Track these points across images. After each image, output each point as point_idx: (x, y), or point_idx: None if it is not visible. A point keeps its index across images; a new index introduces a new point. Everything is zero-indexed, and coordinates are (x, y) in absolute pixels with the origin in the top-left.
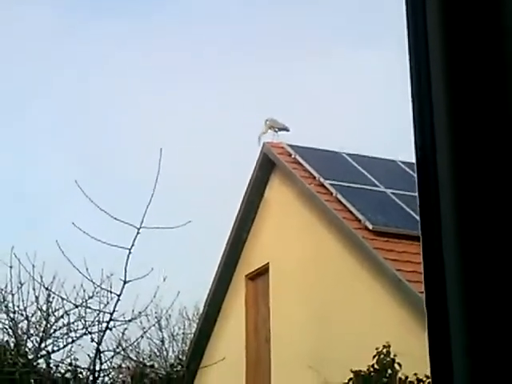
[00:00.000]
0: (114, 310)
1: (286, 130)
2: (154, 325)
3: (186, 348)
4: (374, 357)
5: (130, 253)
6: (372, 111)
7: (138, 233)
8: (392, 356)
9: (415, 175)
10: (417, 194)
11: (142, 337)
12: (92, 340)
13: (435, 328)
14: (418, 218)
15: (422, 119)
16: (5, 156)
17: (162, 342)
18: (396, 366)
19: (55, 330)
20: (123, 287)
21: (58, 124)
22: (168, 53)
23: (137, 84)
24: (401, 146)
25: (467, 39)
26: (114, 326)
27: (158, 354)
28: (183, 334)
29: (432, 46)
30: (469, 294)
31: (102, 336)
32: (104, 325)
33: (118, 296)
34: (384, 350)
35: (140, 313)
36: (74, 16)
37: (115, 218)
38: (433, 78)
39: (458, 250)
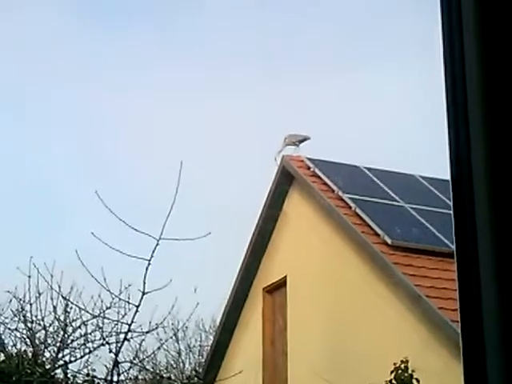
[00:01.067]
0: (132, 321)
1: (307, 138)
2: (171, 337)
3: (203, 360)
4: (392, 372)
5: (149, 264)
6: (387, 125)
7: (157, 244)
8: (410, 371)
9: (435, 191)
10: (452, 211)
11: (159, 348)
12: (110, 351)
13: (470, 349)
14: (436, 232)
15: (458, 136)
16: (22, 165)
17: (179, 353)
18: (414, 381)
19: (73, 341)
20: (142, 298)
21: (75, 134)
22: (183, 65)
23: (153, 96)
24: (419, 160)
25: (504, 54)
26: (132, 337)
27: (174, 365)
28: (200, 346)
29: (468, 61)
30: (506, 313)
31: (120, 347)
32: (121, 336)
33: (137, 307)
34: (402, 366)
35: (157, 325)
36: (83, 24)
37: (135, 229)
38: (469, 92)
39: (494, 267)
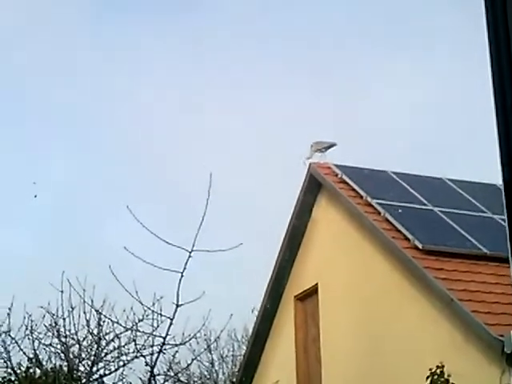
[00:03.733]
0: (167, 334)
1: (334, 145)
2: (205, 350)
3: (236, 370)
4: (428, 377)
5: (182, 276)
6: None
7: (189, 256)
8: (446, 376)
9: (464, 193)
10: (505, 216)
11: (193, 360)
12: (146, 364)
13: None
14: (467, 235)
15: (508, 138)
16: (53, 177)
17: (212, 364)
18: None
19: (106, 354)
20: (176, 311)
21: (107, 146)
22: (213, 77)
23: (182, 106)
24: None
25: None
26: (166, 349)
27: (208, 376)
28: (232, 355)
29: None
30: None
31: (156, 359)
32: (155, 348)
33: (171, 320)
34: (438, 371)
35: (191, 336)
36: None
37: (167, 242)
38: None
39: None
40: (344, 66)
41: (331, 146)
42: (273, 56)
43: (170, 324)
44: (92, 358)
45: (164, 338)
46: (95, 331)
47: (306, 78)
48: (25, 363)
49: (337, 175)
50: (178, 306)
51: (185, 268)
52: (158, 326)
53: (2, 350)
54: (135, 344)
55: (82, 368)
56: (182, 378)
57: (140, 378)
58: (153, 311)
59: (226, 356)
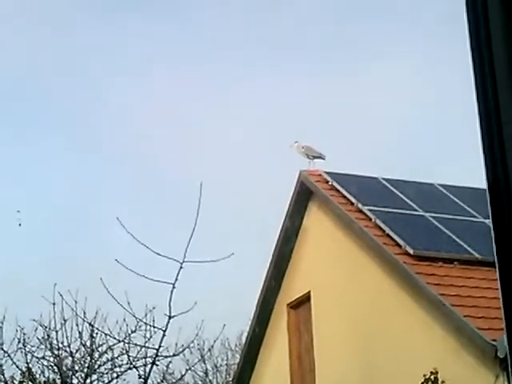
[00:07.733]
0: (160, 345)
1: (322, 158)
2: (199, 360)
3: (230, 379)
4: (422, 383)
5: (173, 287)
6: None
7: (181, 267)
8: (440, 382)
9: (455, 198)
10: (490, 220)
11: (187, 370)
12: (139, 377)
13: None
14: (458, 240)
15: (492, 143)
16: (45, 189)
17: (206, 373)
18: None
19: (100, 366)
20: (168, 322)
21: (98, 157)
22: (198, 81)
23: (173, 114)
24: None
25: None
26: (159, 361)
27: None
28: (226, 365)
29: (497, 59)
30: None
31: (150, 371)
32: (148, 359)
33: (164, 331)
34: (432, 377)
35: (184, 347)
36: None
37: (158, 254)
38: (500, 93)
39: None
40: (334, 65)
41: (319, 157)
42: (261, 51)
43: (163, 336)
44: (85, 370)
45: (157, 350)
46: (88, 343)
47: (293, 79)
48: (18, 377)
49: (327, 182)
50: (170, 317)
51: (176, 279)
52: (150, 337)
53: None
54: (128, 356)
55: (75, 381)
56: None
57: None
58: (145, 323)
59: (220, 365)
